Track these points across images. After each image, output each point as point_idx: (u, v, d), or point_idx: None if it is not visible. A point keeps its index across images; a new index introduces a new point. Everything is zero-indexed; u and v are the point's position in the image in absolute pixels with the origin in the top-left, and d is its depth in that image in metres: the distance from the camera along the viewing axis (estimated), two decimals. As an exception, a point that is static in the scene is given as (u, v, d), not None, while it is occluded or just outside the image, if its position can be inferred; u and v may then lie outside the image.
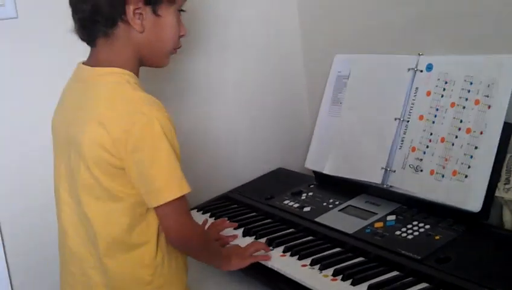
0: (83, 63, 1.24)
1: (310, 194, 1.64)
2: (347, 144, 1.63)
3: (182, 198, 1.15)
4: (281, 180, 1.80)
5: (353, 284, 1.21)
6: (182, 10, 1.27)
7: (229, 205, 1.70)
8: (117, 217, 1.18)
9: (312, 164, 1.73)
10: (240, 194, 1.76)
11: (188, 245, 1.23)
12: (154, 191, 1.13)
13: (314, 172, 1.72)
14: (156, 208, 1.16)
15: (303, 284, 1.25)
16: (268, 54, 1.96)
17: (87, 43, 1.22)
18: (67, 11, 1.21)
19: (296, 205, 1.59)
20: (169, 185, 1.13)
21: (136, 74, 1.22)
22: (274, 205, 1.63)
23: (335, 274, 1.25)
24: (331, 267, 1.28)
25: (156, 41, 1.22)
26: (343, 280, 1.23)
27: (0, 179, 1.57)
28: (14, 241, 1.59)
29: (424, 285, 1.16)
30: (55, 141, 1.29)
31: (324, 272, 1.28)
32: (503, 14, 1.37)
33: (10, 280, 1.59)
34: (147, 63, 1.25)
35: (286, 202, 1.63)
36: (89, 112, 1.15)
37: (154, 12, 1.19)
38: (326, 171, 1.67)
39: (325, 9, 1.89)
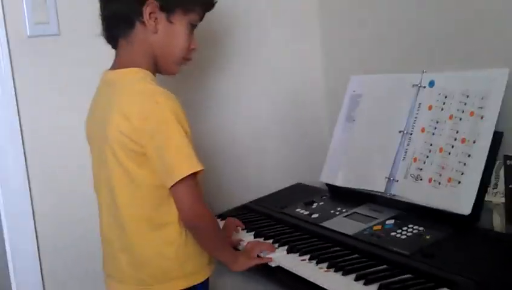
0: (108, 69, 1.41)
1: (321, 203, 1.74)
2: (356, 157, 1.74)
3: (194, 178, 1.30)
4: (298, 193, 1.90)
5: (343, 274, 1.30)
6: (195, 25, 1.43)
7: (247, 213, 1.81)
8: (141, 199, 1.34)
9: (326, 177, 1.84)
10: (258, 205, 1.87)
11: (199, 227, 1.34)
12: (169, 171, 1.28)
13: (327, 185, 1.83)
14: (172, 189, 1.29)
15: (298, 274, 1.35)
16: (291, 76, 2.10)
17: (111, 44, 1.41)
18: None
19: (306, 213, 1.69)
20: (181, 163, 1.28)
21: (153, 73, 1.39)
22: (286, 212, 1.74)
23: (329, 267, 1.35)
24: (327, 261, 1.37)
25: (167, 46, 1.39)
26: (335, 271, 1.32)
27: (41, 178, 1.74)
28: (48, 236, 1.74)
29: (408, 276, 1.24)
30: (91, 145, 1.47)
31: (320, 265, 1.37)
32: (494, 34, 1.46)
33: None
34: (159, 67, 1.42)
35: (298, 210, 1.73)
36: (113, 107, 1.33)
37: (168, 19, 1.37)
38: (337, 183, 1.77)
39: (343, 34, 2.03)
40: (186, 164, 1.28)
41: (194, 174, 1.30)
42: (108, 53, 1.44)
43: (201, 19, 1.47)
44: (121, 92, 1.34)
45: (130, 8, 1.36)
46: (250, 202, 1.92)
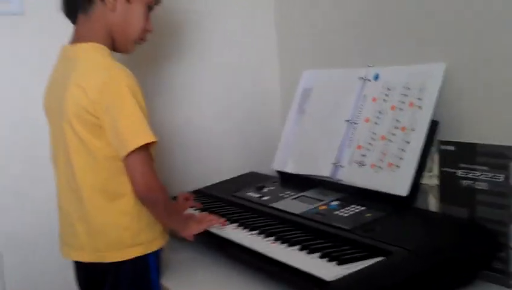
0: (67, 44, 1.48)
1: (272, 188, 1.83)
2: (306, 145, 1.84)
3: (147, 150, 1.37)
4: (250, 180, 1.99)
5: (289, 245, 1.40)
6: (151, 7, 1.52)
7: (199, 197, 1.89)
8: (97, 171, 1.40)
9: (277, 165, 1.94)
10: (210, 189, 1.95)
11: (152, 197, 1.41)
12: (123, 142, 1.35)
13: (278, 172, 1.92)
14: (125, 160, 1.36)
15: (246, 246, 1.44)
16: (247, 70, 2.21)
17: (70, 19, 1.48)
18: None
19: (257, 196, 1.78)
20: (135, 134, 1.35)
21: (109, 49, 1.46)
22: (238, 195, 1.82)
23: (276, 240, 1.44)
24: (274, 235, 1.46)
25: (124, 25, 1.47)
26: (281, 243, 1.42)
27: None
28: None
29: (348, 247, 1.34)
30: (49, 118, 1.52)
31: (267, 238, 1.46)
32: (433, 30, 1.59)
33: None
34: (115, 44, 1.49)
35: (249, 194, 1.82)
36: (71, 80, 1.39)
37: None
38: (287, 170, 1.87)
39: (297, 30, 2.15)
40: (140, 135, 1.35)
41: (147, 147, 1.37)
42: (70, 32, 1.50)
43: (157, 2, 1.56)
44: (79, 66, 1.40)
45: None
46: (203, 188, 1.99)
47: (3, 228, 1.81)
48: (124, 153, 1.35)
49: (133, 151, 1.34)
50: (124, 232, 1.43)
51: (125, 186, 1.41)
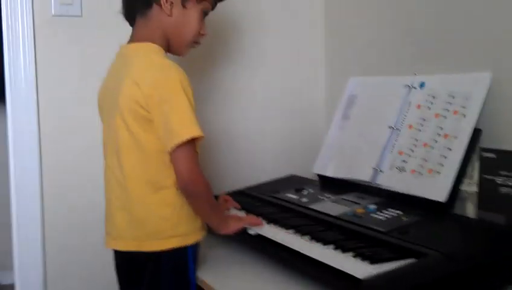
0: (125, 44, 1.55)
1: (311, 191, 1.84)
2: (348, 150, 1.85)
3: (193, 145, 1.42)
4: (290, 182, 2.01)
5: (324, 244, 1.40)
6: (206, 13, 1.58)
7: (239, 196, 1.92)
8: (145, 163, 1.45)
9: (318, 169, 1.96)
10: (251, 190, 1.98)
11: (194, 191, 1.45)
12: (171, 134, 1.39)
13: (319, 175, 1.94)
14: (172, 153, 1.41)
15: (283, 243, 1.46)
16: (294, 76, 2.25)
17: (129, 22, 1.55)
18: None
19: (296, 197, 1.80)
20: (184, 128, 1.39)
21: (164, 50, 1.52)
22: (277, 196, 1.84)
23: (311, 238, 1.45)
24: (309, 234, 1.48)
25: (180, 29, 1.54)
26: (316, 241, 1.43)
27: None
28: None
29: (381, 248, 1.34)
30: (102, 114, 1.60)
31: (302, 237, 1.48)
32: (479, 40, 1.59)
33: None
34: (170, 47, 1.56)
35: (288, 195, 1.84)
36: (126, 75, 1.45)
37: (183, 4, 1.52)
38: (328, 174, 1.88)
39: (345, 38, 2.17)
40: (188, 129, 1.39)
41: (194, 142, 1.42)
42: (127, 35, 1.58)
43: (213, 8, 1.61)
44: (134, 63, 1.47)
45: None
46: (244, 188, 2.02)
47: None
48: (172, 145, 1.39)
49: (180, 145, 1.39)
50: (164, 222, 1.47)
51: (169, 179, 1.45)
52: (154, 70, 1.44)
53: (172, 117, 1.40)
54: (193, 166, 1.43)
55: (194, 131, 1.40)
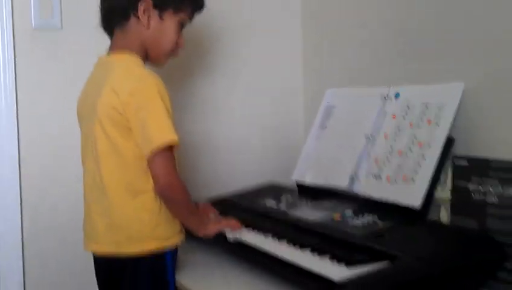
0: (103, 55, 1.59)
1: (289, 197, 1.88)
2: (326, 158, 1.89)
3: (170, 151, 1.45)
4: (269, 189, 2.04)
5: (300, 247, 1.44)
6: (183, 25, 1.62)
7: (217, 204, 1.94)
8: (124, 168, 1.48)
9: (297, 176, 1.99)
10: (230, 197, 2.01)
11: (172, 195, 1.48)
12: (149, 140, 1.42)
13: (297, 183, 1.97)
14: (149, 158, 1.43)
15: (259, 247, 1.49)
16: (272, 86, 2.29)
17: (107, 33, 1.59)
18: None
19: (273, 203, 1.83)
20: (161, 133, 1.43)
21: (142, 60, 1.56)
22: (256, 203, 1.87)
23: (287, 242, 1.49)
24: (286, 238, 1.51)
25: (157, 40, 1.57)
26: (293, 245, 1.46)
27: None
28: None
29: (357, 251, 1.38)
30: (81, 122, 1.62)
31: (279, 241, 1.51)
32: (452, 52, 1.64)
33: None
34: (149, 57, 1.59)
35: (267, 201, 1.87)
36: (105, 83, 1.48)
37: (160, 16, 1.55)
38: (306, 181, 1.92)
39: (322, 51, 2.22)
40: (165, 135, 1.43)
41: (171, 148, 1.45)
42: (106, 47, 1.61)
43: (190, 19, 1.65)
44: (113, 72, 1.50)
45: (127, 3, 1.54)
46: (223, 195, 2.05)
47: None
48: (149, 150, 1.42)
49: (157, 151, 1.42)
50: (143, 226, 1.49)
51: (147, 184, 1.48)
52: (132, 79, 1.47)
53: (150, 123, 1.43)
54: (170, 171, 1.46)
55: (170, 136, 1.43)
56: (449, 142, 1.55)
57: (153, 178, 1.46)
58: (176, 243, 1.54)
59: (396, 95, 1.75)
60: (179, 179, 1.48)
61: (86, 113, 1.57)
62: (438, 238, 1.43)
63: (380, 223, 1.51)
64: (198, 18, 1.69)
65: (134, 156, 1.47)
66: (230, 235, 1.59)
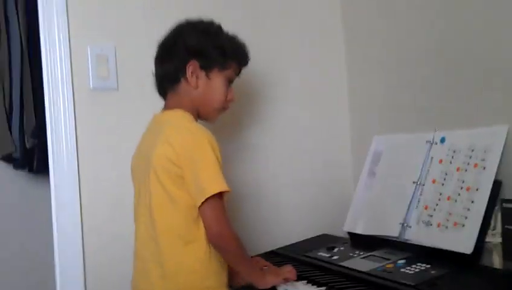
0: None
1: (342, 248, 1.89)
2: (376, 207, 1.91)
3: (221, 199, 1.52)
4: (322, 241, 2.06)
5: (352, 300, 1.45)
6: (231, 81, 1.70)
7: (273, 257, 1.98)
8: (177, 218, 1.55)
9: (348, 227, 2.01)
10: (284, 250, 2.04)
11: (224, 244, 1.54)
12: (201, 188, 1.50)
13: (349, 233, 1.99)
14: (201, 207, 1.51)
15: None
16: (320, 136, 2.33)
17: (161, 96, 1.70)
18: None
19: (327, 255, 1.85)
20: (212, 183, 1.51)
21: (194, 117, 1.65)
22: (309, 255, 1.90)
23: (340, 295, 1.50)
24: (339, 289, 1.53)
25: (207, 98, 1.67)
26: (345, 298, 1.47)
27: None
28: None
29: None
30: (134, 177, 1.71)
31: (333, 293, 1.53)
32: (496, 94, 1.65)
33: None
34: (200, 114, 1.67)
35: (320, 253, 1.89)
36: (159, 137, 1.57)
37: (207, 75, 1.64)
38: (358, 231, 1.93)
39: (368, 99, 2.25)
40: (217, 184, 1.51)
41: (221, 196, 1.52)
42: (158, 106, 1.72)
43: (237, 74, 1.73)
44: (167, 127, 1.60)
45: (176, 68, 1.65)
46: (276, 249, 2.08)
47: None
48: (202, 199, 1.50)
49: (208, 199, 1.49)
50: (194, 275, 1.55)
51: (199, 232, 1.55)
52: (185, 132, 1.57)
53: (201, 174, 1.52)
54: (221, 220, 1.53)
55: (221, 185, 1.51)
56: (497, 185, 1.55)
57: (205, 227, 1.53)
58: None
59: (442, 140, 1.77)
60: (230, 228, 1.55)
61: (140, 165, 1.65)
62: (491, 284, 1.42)
63: (433, 271, 1.51)
64: (244, 71, 1.77)
65: (186, 204, 1.54)
66: (282, 288, 1.62)
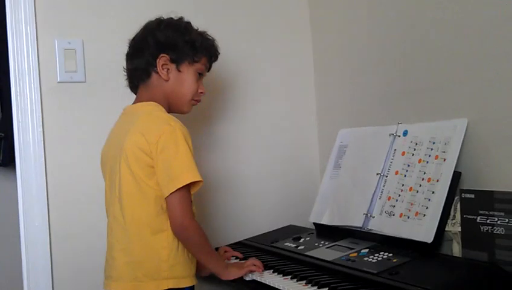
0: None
1: (308, 239, 1.93)
2: (340, 198, 1.95)
3: (187, 191, 1.55)
4: (288, 232, 2.10)
5: (318, 287, 1.49)
6: (201, 74, 1.73)
7: (239, 248, 2.01)
8: (146, 207, 1.58)
9: (314, 218, 2.05)
10: (250, 241, 2.07)
11: (188, 235, 1.57)
12: (172, 178, 1.52)
13: (315, 224, 2.03)
14: (168, 197, 1.53)
15: (278, 289, 1.55)
16: (288, 130, 2.37)
17: (133, 91, 1.72)
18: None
19: (294, 245, 1.89)
20: (185, 173, 1.54)
21: (166, 110, 1.67)
22: (276, 245, 1.93)
23: (306, 283, 1.54)
24: (305, 279, 1.56)
25: (178, 90, 1.69)
26: (311, 285, 1.51)
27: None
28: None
29: (373, 289, 1.43)
30: (105, 169, 1.72)
31: (299, 282, 1.56)
32: (455, 89, 1.71)
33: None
34: (172, 106, 1.70)
35: (286, 244, 1.93)
36: (131, 128, 1.59)
37: (178, 68, 1.66)
38: (323, 222, 1.98)
39: (334, 93, 2.30)
40: (189, 174, 1.54)
41: (188, 188, 1.55)
42: (128, 99, 1.74)
43: (208, 69, 1.76)
44: (140, 117, 1.62)
45: (147, 62, 1.67)
46: (243, 240, 2.11)
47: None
48: (173, 188, 1.52)
49: (178, 189, 1.52)
50: (162, 263, 1.57)
51: (166, 222, 1.58)
52: (159, 122, 1.59)
53: (175, 163, 1.54)
54: (187, 211, 1.56)
55: (194, 175, 1.54)
56: (456, 176, 1.60)
57: (169, 217, 1.56)
58: (191, 283, 1.62)
59: (405, 133, 1.81)
60: (193, 220, 1.58)
61: (111, 156, 1.66)
62: (451, 272, 1.47)
63: (395, 260, 1.56)
64: (214, 65, 1.81)
65: (155, 194, 1.57)
66: (248, 277, 1.65)
